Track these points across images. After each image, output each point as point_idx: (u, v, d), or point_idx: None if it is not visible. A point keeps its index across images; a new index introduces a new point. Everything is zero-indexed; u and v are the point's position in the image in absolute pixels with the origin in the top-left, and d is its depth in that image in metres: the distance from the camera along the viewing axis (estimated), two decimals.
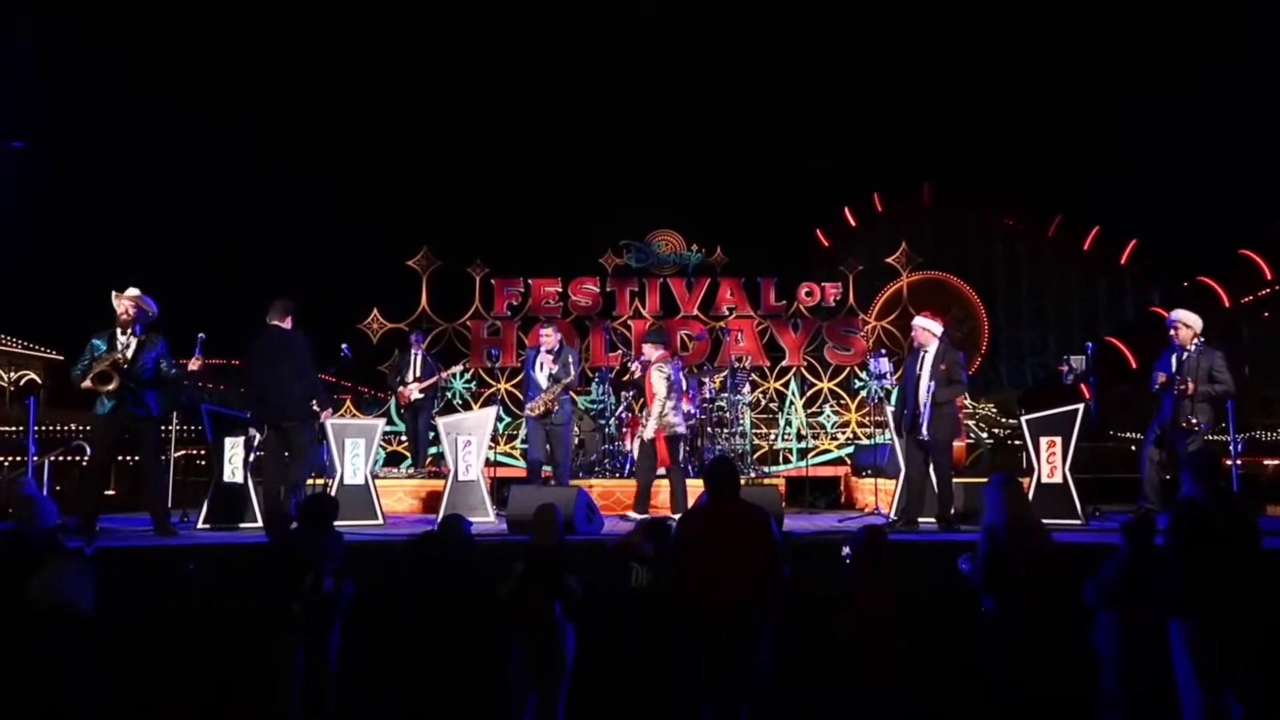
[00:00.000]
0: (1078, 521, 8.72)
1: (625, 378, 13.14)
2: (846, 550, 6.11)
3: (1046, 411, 9.28)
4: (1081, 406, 9.11)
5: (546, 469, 10.62)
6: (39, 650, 5.27)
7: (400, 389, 12.15)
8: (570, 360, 10.23)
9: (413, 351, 12.36)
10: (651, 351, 9.70)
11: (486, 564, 6.28)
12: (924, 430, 8.54)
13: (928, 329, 8.78)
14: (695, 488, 10.19)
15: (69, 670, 5.30)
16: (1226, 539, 5.09)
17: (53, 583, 5.40)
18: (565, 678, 5.89)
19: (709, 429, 12.10)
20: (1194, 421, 8.34)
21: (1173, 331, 8.74)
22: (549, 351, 10.20)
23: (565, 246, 16.69)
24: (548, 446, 10.26)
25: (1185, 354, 8.63)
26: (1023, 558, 5.56)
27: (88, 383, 8.18)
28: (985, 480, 9.36)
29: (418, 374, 12.15)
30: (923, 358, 8.72)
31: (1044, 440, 9.04)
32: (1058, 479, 8.89)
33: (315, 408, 8.87)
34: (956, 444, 9.89)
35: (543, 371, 10.14)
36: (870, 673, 5.45)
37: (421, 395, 12.06)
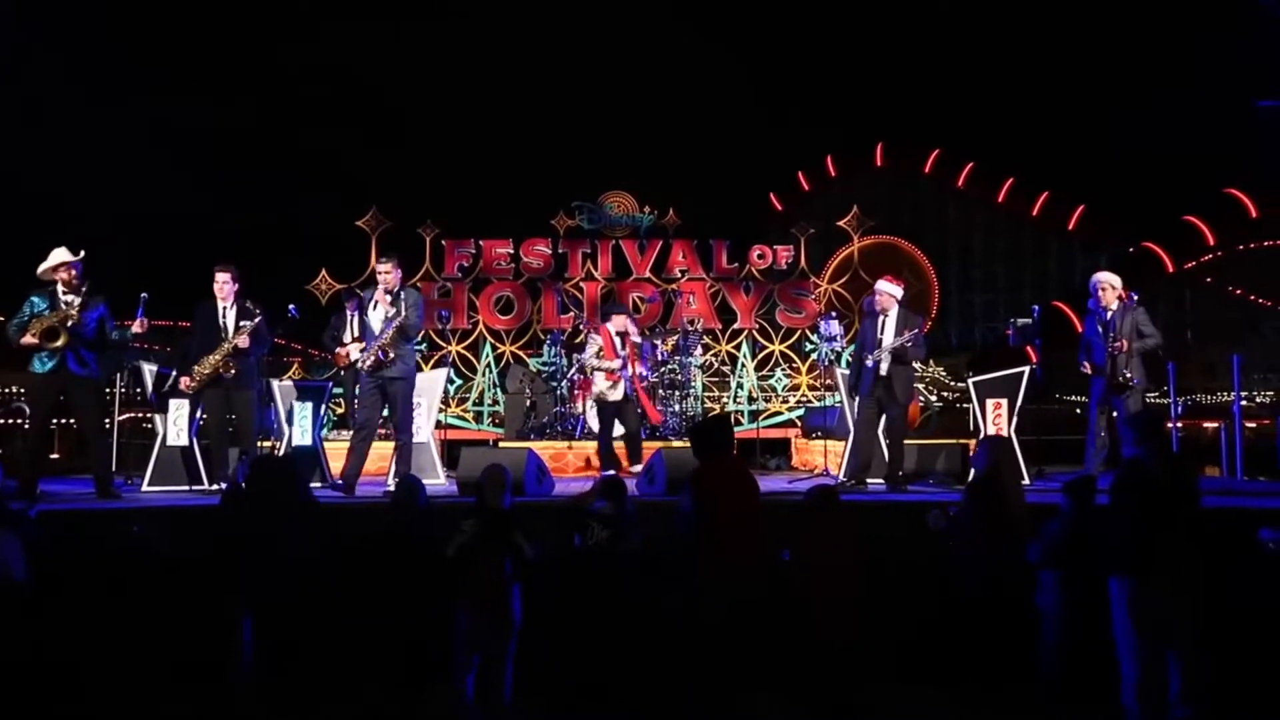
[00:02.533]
0: (1023, 482, 8.86)
1: (577, 340, 13.18)
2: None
3: (993, 374, 9.41)
4: (1028, 369, 9.25)
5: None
6: None
7: (338, 350, 11.88)
8: (410, 301, 8.54)
9: (348, 312, 12.06)
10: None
11: (438, 526, 6.25)
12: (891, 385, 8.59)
13: (891, 294, 8.81)
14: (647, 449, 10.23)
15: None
16: (1170, 499, 5.19)
17: None
18: (514, 637, 5.89)
19: (661, 391, 12.12)
20: (1129, 377, 8.61)
21: (1101, 293, 8.96)
22: (386, 291, 8.51)
23: (517, 207, 16.55)
24: (384, 409, 8.83)
25: (1110, 314, 8.87)
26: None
27: (29, 338, 7.98)
28: (935, 442, 9.63)
29: (356, 334, 11.86)
30: (883, 322, 8.74)
31: (990, 402, 9.17)
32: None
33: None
34: (911, 406, 10.00)
35: (377, 313, 8.60)
36: (828, 632, 5.51)
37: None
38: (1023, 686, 5.71)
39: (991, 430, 9.04)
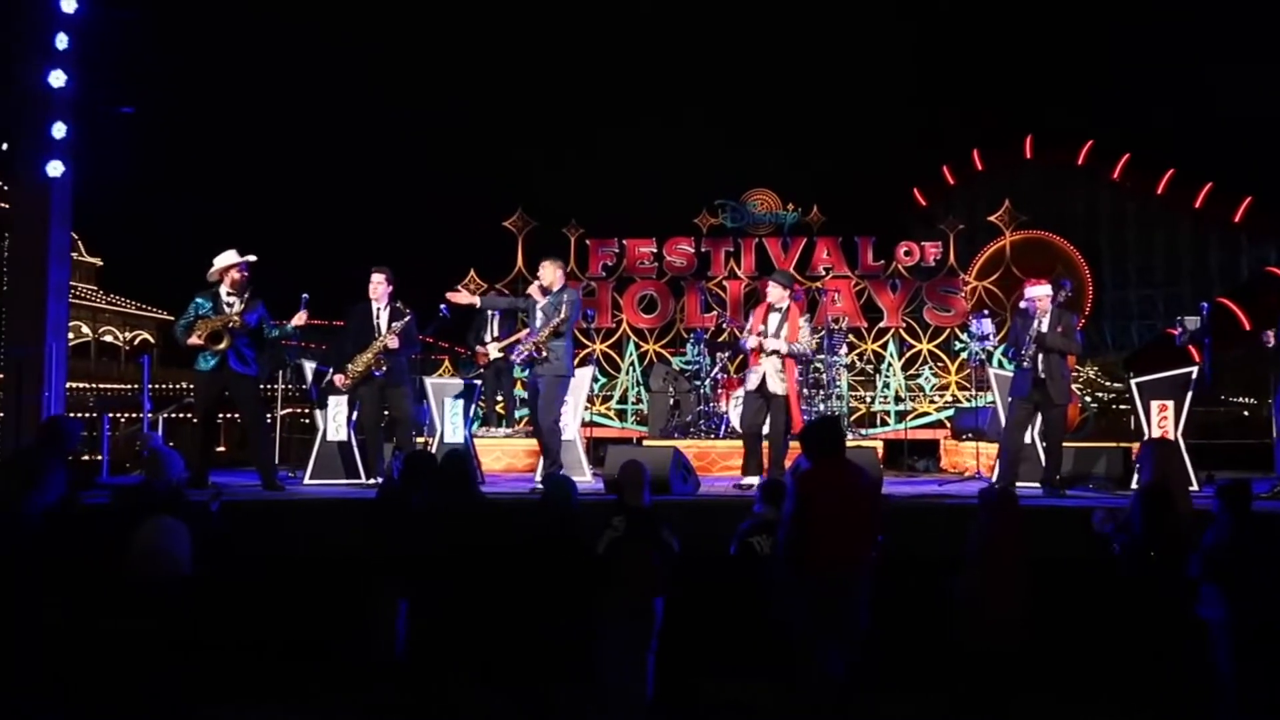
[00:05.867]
0: (1191, 488, 8.47)
1: (720, 338, 13.15)
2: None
3: (1158, 374, 9.01)
4: (1195, 369, 8.83)
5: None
6: (135, 608, 5.44)
7: (478, 349, 11.98)
8: (566, 299, 8.56)
9: (489, 311, 12.05)
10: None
11: (587, 524, 6.30)
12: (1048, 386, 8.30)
13: (1047, 295, 8.49)
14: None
15: (162, 630, 5.45)
16: None
17: (149, 544, 5.55)
18: (654, 637, 5.90)
19: (805, 391, 11.97)
20: None
21: None
22: (543, 290, 8.61)
23: (660, 207, 16.59)
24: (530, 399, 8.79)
25: None
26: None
27: (195, 339, 8.38)
28: (1094, 445, 9.30)
29: (496, 334, 11.93)
30: (1038, 323, 8.45)
31: (1155, 404, 8.77)
32: None
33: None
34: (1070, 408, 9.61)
35: (537, 310, 8.67)
36: (990, 637, 5.38)
37: (500, 355, 11.51)
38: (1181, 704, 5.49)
39: (1156, 433, 8.67)
